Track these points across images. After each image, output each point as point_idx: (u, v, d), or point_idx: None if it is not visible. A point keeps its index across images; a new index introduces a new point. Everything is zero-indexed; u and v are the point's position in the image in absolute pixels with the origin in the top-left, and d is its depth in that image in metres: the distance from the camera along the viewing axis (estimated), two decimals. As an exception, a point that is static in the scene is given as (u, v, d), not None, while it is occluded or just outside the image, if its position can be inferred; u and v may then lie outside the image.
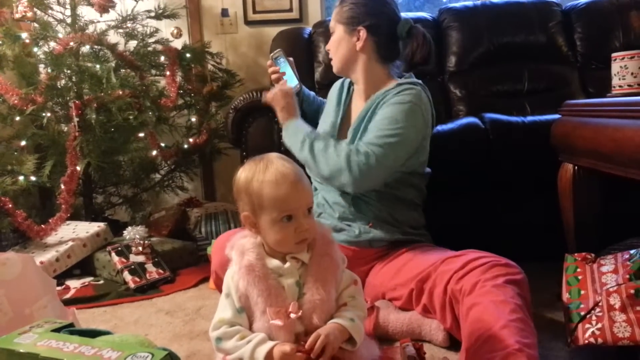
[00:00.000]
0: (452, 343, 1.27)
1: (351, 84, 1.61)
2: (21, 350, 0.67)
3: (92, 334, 0.77)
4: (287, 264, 0.96)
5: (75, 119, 2.06)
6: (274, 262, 0.96)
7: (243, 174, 0.97)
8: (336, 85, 1.67)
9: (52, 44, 2.23)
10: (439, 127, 1.72)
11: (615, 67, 1.50)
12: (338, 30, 1.51)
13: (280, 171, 0.94)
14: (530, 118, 1.79)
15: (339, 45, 1.52)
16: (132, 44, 2.44)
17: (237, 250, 0.98)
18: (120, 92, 2.15)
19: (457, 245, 1.31)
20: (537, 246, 1.69)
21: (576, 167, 1.51)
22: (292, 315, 0.91)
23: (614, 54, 1.51)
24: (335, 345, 0.92)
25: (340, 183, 1.36)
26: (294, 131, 1.45)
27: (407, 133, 1.37)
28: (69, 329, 0.77)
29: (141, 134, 2.33)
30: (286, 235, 0.94)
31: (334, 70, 1.57)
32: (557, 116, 1.59)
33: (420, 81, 1.49)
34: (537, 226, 1.75)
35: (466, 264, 1.17)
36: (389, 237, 1.42)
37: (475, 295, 1.11)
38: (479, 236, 1.65)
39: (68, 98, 2.24)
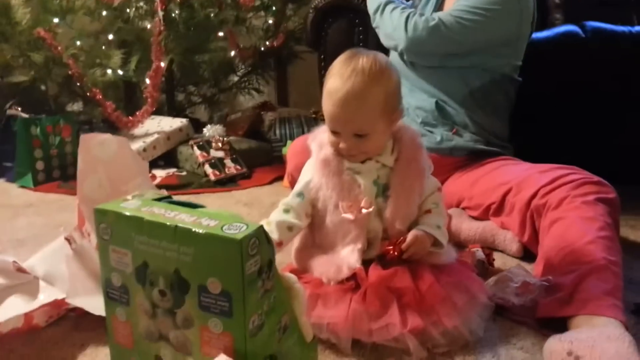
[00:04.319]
0: (526, 255, 1.25)
1: None
2: (127, 214, 0.71)
3: (189, 206, 0.81)
4: (366, 163, 0.95)
5: (160, 13, 2.09)
6: None
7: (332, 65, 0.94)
8: None
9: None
10: (533, 35, 1.59)
11: None
12: None
13: (336, 85, 0.89)
14: (638, 28, 1.62)
15: None
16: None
17: (316, 143, 0.98)
18: (204, -12, 2.14)
19: (545, 162, 1.25)
20: (635, 168, 1.58)
21: (688, 84, 1.37)
22: (364, 211, 0.91)
23: None
24: (425, 250, 0.94)
25: (395, 42, 1.39)
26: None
27: (496, 17, 1.31)
28: (168, 199, 0.82)
29: (220, 33, 2.34)
30: (334, 145, 0.94)
31: None
32: (671, 26, 1.42)
33: None
34: (636, 147, 1.63)
35: (555, 179, 1.13)
36: (472, 145, 1.38)
37: (562, 210, 1.07)
38: (570, 154, 1.55)
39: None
